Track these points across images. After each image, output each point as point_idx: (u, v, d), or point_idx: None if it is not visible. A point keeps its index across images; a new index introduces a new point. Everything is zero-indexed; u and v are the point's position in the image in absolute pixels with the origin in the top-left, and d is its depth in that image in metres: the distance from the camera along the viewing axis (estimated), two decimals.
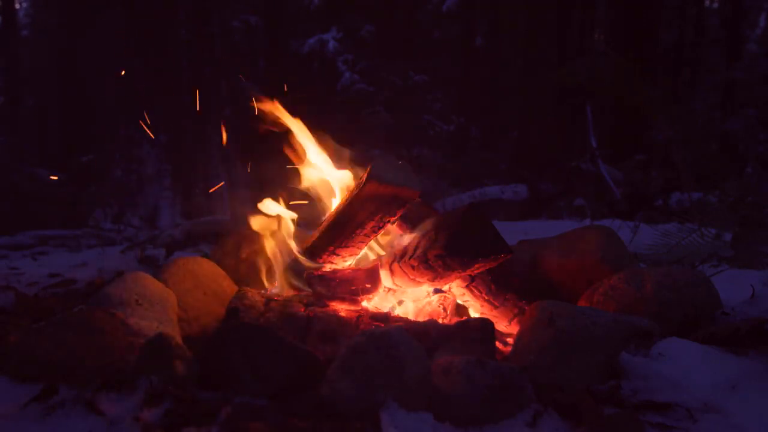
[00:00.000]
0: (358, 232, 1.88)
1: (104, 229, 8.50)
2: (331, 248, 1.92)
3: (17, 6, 21.31)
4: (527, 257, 2.15)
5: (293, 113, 2.06)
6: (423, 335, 1.57)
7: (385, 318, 1.73)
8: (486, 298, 1.94)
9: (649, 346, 1.47)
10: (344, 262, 2.00)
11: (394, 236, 2.10)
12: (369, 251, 2.16)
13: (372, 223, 1.87)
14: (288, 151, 2.06)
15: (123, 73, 14.74)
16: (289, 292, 1.97)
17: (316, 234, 1.97)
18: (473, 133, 16.16)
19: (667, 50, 15.69)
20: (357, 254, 2.02)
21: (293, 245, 2.03)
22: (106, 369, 1.29)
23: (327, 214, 2.03)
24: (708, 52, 17.18)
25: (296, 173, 2.10)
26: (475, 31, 17.02)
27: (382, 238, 2.15)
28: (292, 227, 2.08)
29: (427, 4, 17.41)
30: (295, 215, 2.08)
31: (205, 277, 1.96)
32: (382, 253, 2.13)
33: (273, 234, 2.05)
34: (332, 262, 1.97)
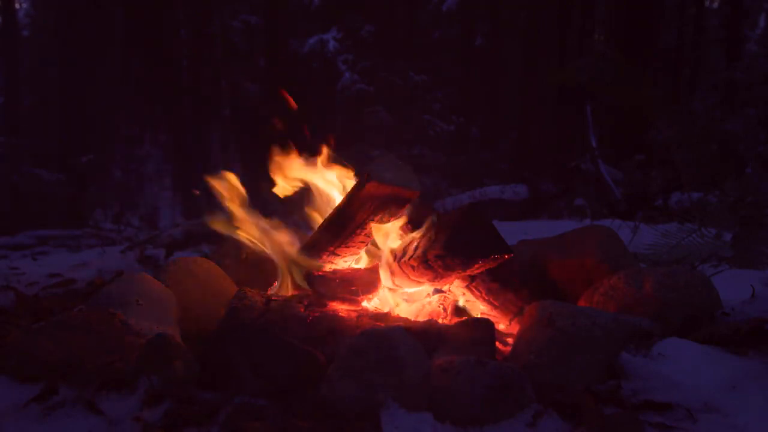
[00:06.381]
0: (358, 232, 1.88)
1: (104, 229, 8.51)
2: (331, 248, 1.92)
3: (17, 6, 21.32)
4: (527, 257, 2.14)
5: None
6: (423, 335, 1.57)
7: (385, 318, 1.72)
8: (486, 298, 1.94)
9: (649, 346, 1.47)
10: (344, 262, 2.00)
11: (394, 236, 2.09)
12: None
13: (372, 223, 1.87)
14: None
15: (122, 73, 14.76)
16: (289, 292, 1.97)
17: (315, 234, 1.97)
18: (473, 133, 16.18)
19: (667, 50, 15.69)
20: (357, 254, 2.02)
21: (293, 245, 2.03)
22: (106, 369, 1.29)
23: (326, 214, 2.03)
24: (708, 52, 17.18)
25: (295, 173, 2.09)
26: (475, 31, 17.04)
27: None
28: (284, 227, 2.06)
29: (427, 4, 17.42)
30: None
31: (205, 277, 1.96)
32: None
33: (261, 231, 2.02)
34: (332, 262, 1.97)
